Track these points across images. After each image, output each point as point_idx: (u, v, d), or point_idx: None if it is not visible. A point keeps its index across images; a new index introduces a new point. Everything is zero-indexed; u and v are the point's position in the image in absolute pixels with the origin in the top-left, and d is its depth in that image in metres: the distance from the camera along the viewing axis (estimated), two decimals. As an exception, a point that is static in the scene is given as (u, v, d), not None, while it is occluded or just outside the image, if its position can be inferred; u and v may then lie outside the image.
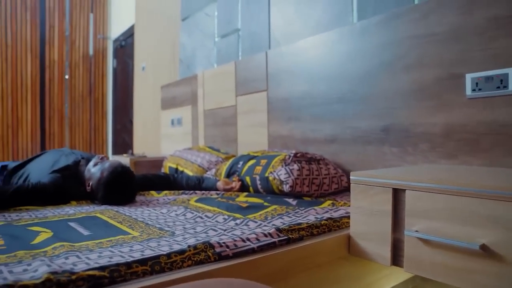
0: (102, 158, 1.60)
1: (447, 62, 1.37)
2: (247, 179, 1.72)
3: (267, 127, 2.18)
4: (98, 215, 1.26)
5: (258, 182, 1.65)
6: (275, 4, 2.23)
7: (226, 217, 1.18)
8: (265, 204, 1.38)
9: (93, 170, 1.54)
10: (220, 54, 2.72)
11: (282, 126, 2.08)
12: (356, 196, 1.12)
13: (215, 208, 1.32)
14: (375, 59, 1.61)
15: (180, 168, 2.27)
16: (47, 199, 1.46)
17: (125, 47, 4.72)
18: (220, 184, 1.75)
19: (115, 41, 4.91)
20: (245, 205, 1.33)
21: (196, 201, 1.46)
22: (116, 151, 4.94)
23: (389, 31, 1.56)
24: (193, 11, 3.06)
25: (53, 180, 1.51)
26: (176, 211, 1.29)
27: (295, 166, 1.56)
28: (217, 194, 1.65)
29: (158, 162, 2.79)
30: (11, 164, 1.89)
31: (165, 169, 2.45)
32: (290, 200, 1.45)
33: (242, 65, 2.38)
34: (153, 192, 1.72)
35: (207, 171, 2.12)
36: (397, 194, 1.02)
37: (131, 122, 4.41)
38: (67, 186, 1.52)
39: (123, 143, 4.69)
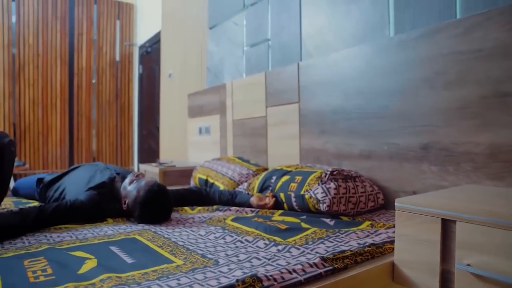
0: (137, 176, 1.61)
1: (493, 79, 1.31)
2: (282, 195, 1.71)
3: (299, 140, 2.16)
4: (137, 237, 1.27)
5: (293, 200, 1.64)
6: (307, 16, 2.21)
7: (267, 242, 1.17)
8: (303, 225, 1.37)
9: (129, 188, 1.55)
10: (249, 63, 2.72)
11: (315, 139, 2.05)
12: (401, 224, 1.09)
13: (254, 230, 1.31)
14: (413, 74, 1.57)
15: (211, 180, 2.27)
16: (84, 217, 1.48)
17: (151, 53, 4.78)
18: (254, 200, 1.74)
19: (141, 47, 4.98)
20: (283, 226, 1.32)
21: (233, 220, 1.46)
22: (142, 157, 5.02)
23: (429, 46, 1.51)
24: (221, 20, 3.07)
25: (90, 197, 1.53)
26: (214, 233, 1.29)
27: (332, 185, 1.53)
28: (252, 211, 1.64)
29: (187, 172, 2.81)
30: (47, 177, 1.93)
31: (194, 180, 2.46)
32: (327, 220, 1.43)
33: (273, 76, 2.36)
34: (186, 208, 1.73)
35: (238, 184, 2.12)
36: (447, 225, 0.98)
37: (157, 129, 4.47)
38: (104, 204, 1.55)
39: (149, 149, 4.76)
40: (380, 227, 1.36)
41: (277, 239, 1.20)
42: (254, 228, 1.33)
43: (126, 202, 1.54)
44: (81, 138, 4.83)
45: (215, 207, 1.72)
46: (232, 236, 1.25)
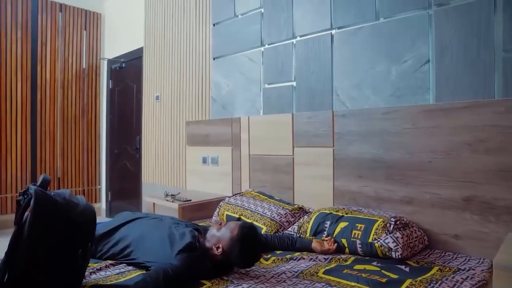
0: (220, 224, 1.68)
1: (531, 152, 1.67)
2: (344, 241, 1.89)
3: (333, 181, 2.36)
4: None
5: (359, 246, 1.84)
6: (341, 67, 2.42)
7: None
8: (389, 274, 1.56)
9: (220, 234, 1.60)
10: (268, 102, 2.84)
11: (351, 182, 2.28)
12: (498, 282, 1.31)
13: (357, 284, 1.47)
14: (457, 137, 1.87)
15: (248, 220, 2.36)
16: (183, 283, 1.48)
17: (124, 69, 4.58)
18: (317, 247, 1.90)
19: (112, 61, 4.74)
20: (383, 279, 1.51)
21: (325, 273, 1.60)
22: (112, 177, 4.78)
23: (474, 117, 1.82)
24: (229, 52, 3.13)
25: (185, 262, 1.52)
26: (329, 291, 1.42)
27: (398, 234, 1.77)
28: (325, 258, 1.80)
29: (203, 206, 2.83)
30: (99, 230, 1.85)
31: (222, 218, 2.52)
32: (402, 267, 1.65)
33: (302, 118, 2.53)
34: (261, 259, 1.80)
35: (281, 225, 2.24)
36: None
37: (137, 150, 4.32)
38: (198, 265, 1.57)
39: (124, 169, 4.56)
40: (453, 272, 1.61)
41: (388, 294, 1.39)
42: (356, 282, 1.49)
43: (220, 246, 1.56)
44: (45, 158, 4.43)
45: (288, 256, 1.84)
46: (349, 294, 1.40)
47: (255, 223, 2.31)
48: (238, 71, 3.07)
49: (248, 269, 1.64)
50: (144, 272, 1.59)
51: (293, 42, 2.68)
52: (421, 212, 2.00)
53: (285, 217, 2.29)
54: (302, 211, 2.37)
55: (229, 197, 2.67)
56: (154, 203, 3.00)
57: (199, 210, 2.82)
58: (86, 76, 4.81)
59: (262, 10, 2.88)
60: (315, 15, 2.55)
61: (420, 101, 2.07)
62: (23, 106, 4.27)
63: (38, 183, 1.37)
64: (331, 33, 2.45)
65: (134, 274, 1.59)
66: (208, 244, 1.63)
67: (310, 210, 2.40)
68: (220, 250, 1.57)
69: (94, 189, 4.90)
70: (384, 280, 1.51)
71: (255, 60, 2.94)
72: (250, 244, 1.56)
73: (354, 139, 2.27)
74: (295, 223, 2.27)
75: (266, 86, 2.87)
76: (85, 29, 4.80)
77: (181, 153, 3.66)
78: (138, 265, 1.67)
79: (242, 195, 2.63)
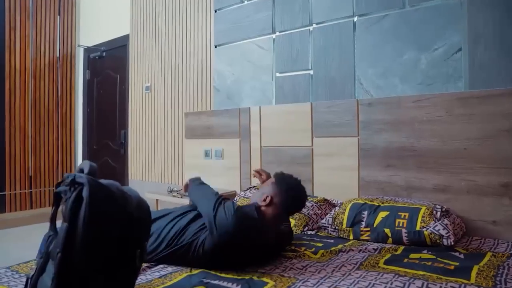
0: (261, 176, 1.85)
1: None
2: (387, 230, 1.84)
3: (358, 171, 2.31)
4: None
5: (405, 235, 1.79)
6: (365, 55, 2.37)
7: (456, 286, 1.27)
8: (449, 261, 1.52)
9: (265, 186, 1.69)
10: (281, 91, 2.73)
11: (379, 172, 2.23)
12: None
13: (426, 273, 1.40)
14: (494, 125, 1.88)
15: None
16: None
17: (105, 58, 4.26)
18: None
19: (90, 50, 4.39)
20: (451, 267, 1.46)
21: (386, 263, 1.53)
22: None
23: (510, 104, 1.84)
24: (234, 39, 2.99)
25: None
26: (398, 281, 1.35)
27: (446, 221, 1.74)
28: (374, 249, 1.73)
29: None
30: None
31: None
32: (456, 254, 1.63)
33: (322, 108, 2.45)
34: (308, 252, 1.70)
35: (309, 218, 2.15)
36: None
37: (121, 144, 4.02)
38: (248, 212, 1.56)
39: (106, 164, 4.23)
40: (502, 256, 1.61)
41: (463, 280, 1.34)
42: (424, 271, 1.43)
43: (269, 196, 1.57)
44: (14, 155, 3.99)
45: (333, 249, 1.75)
46: (416, 284, 1.32)
47: (281, 216, 2.19)
48: (245, 59, 2.94)
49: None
50: (188, 272, 1.46)
51: (309, 29, 2.59)
52: (456, 200, 2.00)
53: (312, 209, 2.21)
54: (327, 202, 2.30)
55: (244, 190, 2.53)
56: (157, 200, 2.78)
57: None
58: (61, 66, 4.41)
59: (274, -5, 2.77)
60: (333, 1, 2.48)
61: (451, 89, 2.07)
62: (-11, 97, 3.82)
63: (86, 170, 1.16)
64: (353, 20, 2.40)
65: (179, 277, 1.43)
66: (257, 197, 1.64)
67: (336, 201, 2.33)
68: (268, 198, 1.57)
69: (69, 189, 4.50)
70: (451, 267, 1.46)
71: (265, 47, 2.82)
72: (298, 189, 1.63)
73: (381, 128, 2.23)
74: (322, 215, 2.19)
75: (278, 74, 2.76)
76: (59, 14, 4.39)
77: (177, 147, 3.45)
78: (173, 257, 1.52)
79: (257, 188, 2.51)
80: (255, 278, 1.41)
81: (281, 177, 1.66)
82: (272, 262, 1.57)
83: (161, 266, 1.54)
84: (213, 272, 1.46)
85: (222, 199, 1.56)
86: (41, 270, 1.09)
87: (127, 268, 1.14)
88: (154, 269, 1.52)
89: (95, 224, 1.04)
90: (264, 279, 1.39)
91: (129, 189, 1.27)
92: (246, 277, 1.42)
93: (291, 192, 1.60)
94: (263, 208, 1.58)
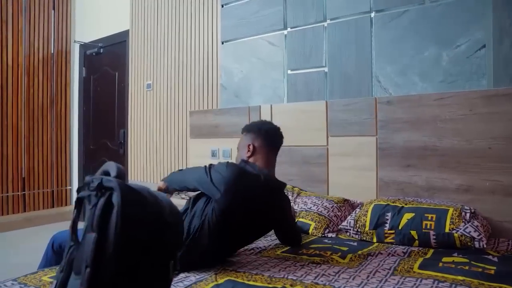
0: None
1: None
2: (413, 233, 1.77)
3: (376, 171, 2.24)
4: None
5: (433, 237, 1.72)
6: (383, 53, 2.30)
7: None
8: (485, 266, 1.47)
9: (241, 142, 1.70)
10: (293, 89, 2.65)
11: (398, 172, 2.17)
12: None
13: (466, 278, 1.34)
14: (521, 123, 1.84)
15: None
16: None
17: (102, 54, 4.11)
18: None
19: (86, 46, 4.23)
20: (490, 271, 1.40)
21: (421, 268, 1.46)
22: (87, 174, 4.27)
23: (539, 101, 1.80)
24: (242, 35, 2.89)
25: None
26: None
27: (476, 223, 1.69)
28: (404, 252, 1.66)
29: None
30: None
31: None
32: (490, 257, 1.57)
33: (337, 106, 2.38)
34: (335, 257, 1.63)
35: (330, 220, 2.07)
36: None
37: (121, 144, 3.88)
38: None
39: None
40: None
41: (507, 287, 1.28)
42: (464, 276, 1.37)
43: (250, 144, 1.62)
44: (7, 155, 3.82)
45: (360, 252, 1.68)
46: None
47: (302, 220, 2.11)
48: (255, 55, 2.84)
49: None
50: (214, 281, 1.38)
51: (323, 25, 2.52)
52: (480, 200, 1.94)
53: (332, 210, 2.13)
54: (347, 203, 2.23)
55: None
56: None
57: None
58: (55, 62, 4.24)
59: (285, -9, 2.68)
60: (348, -3, 2.41)
61: (474, 86, 2.02)
62: (-19, 94, 3.64)
63: (113, 173, 1.05)
64: (370, 16, 2.33)
65: (206, 287, 1.34)
66: (241, 154, 1.66)
67: (355, 201, 2.26)
68: (250, 146, 1.61)
69: (63, 190, 4.34)
70: (491, 271, 1.40)
71: (276, 44, 2.74)
72: (263, 124, 1.72)
73: (401, 127, 2.17)
74: (342, 217, 2.12)
75: (290, 72, 2.67)
76: (54, 9, 4.23)
77: (181, 146, 3.34)
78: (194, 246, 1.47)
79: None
80: (288, 287, 1.33)
81: (246, 126, 1.71)
82: (301, 268, 1.50)
83: (183, 275, 1.45)
84: (241, 280, 1.38)
85: (210, 164, 1.55)
86: (62, 286, 0.98)
87: (161, 281, 1.04)
88: (176, 279, 1.43)
89: (128, 233, 0.93)
90: (298, 288, 1.31)
91: (159, 193, 1.18)
92: (278, 286, 1.33)
93: (264, 127, 1.67)
94: (251, 160, 1.61)
